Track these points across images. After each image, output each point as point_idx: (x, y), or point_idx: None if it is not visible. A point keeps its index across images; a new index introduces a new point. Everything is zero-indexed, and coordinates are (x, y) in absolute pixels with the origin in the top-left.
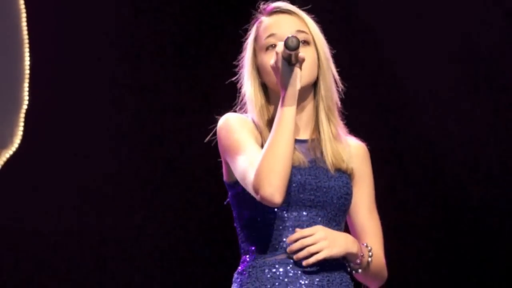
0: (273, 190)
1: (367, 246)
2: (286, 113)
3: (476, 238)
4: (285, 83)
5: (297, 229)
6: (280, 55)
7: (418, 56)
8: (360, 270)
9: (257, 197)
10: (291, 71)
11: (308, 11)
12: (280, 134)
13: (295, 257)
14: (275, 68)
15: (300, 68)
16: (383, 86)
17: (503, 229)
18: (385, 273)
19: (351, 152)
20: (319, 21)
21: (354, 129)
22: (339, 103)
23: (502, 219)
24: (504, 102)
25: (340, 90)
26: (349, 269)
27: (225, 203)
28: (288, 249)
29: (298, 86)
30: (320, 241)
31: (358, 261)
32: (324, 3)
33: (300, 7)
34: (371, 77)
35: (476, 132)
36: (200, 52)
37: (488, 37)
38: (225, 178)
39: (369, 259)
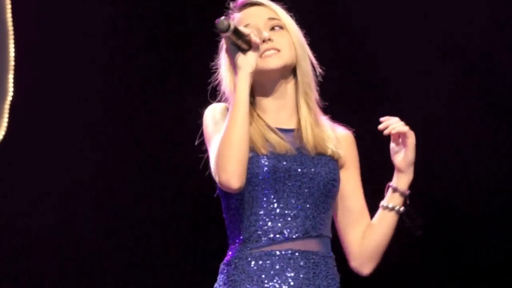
0: (228, 176)
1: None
2: (238, 97)
3: (470, 239)
4: (234, 66)
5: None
6: (227, 40)
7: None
8: (397, 208)
9: (218, 184)
10: (242, 54)
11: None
12: (233, 119)
13: (383, 126)
14: (228, 53)
15: (255, 50)
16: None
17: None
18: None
19: (338, 138)
20: (299, 21)
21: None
22: (316, 95)
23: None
24: (496, 98)
25: (319, 74)
26: (391, 206)
27: (215, 195)
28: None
29: (248, 69)
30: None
31: (407, 192)
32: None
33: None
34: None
35: (468, 133)
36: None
37: (475, 33)
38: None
39: (402, 209)
